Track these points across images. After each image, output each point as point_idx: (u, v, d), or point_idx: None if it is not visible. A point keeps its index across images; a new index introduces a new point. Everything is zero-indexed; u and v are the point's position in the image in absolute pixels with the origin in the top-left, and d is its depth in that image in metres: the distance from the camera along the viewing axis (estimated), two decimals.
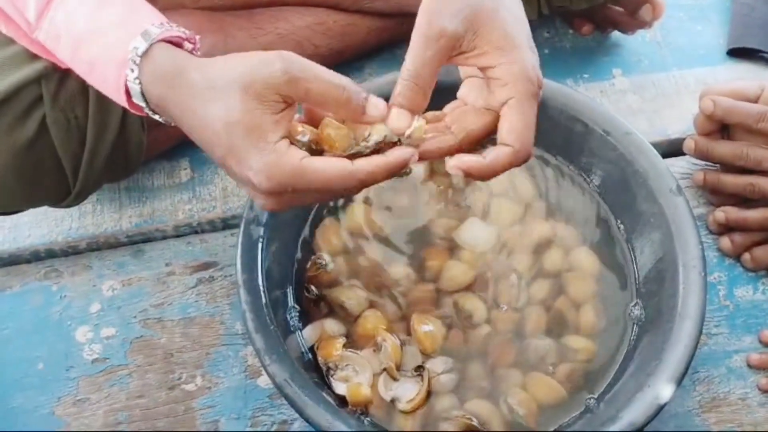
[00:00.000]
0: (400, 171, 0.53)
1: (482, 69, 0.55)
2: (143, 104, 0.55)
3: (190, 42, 0.57)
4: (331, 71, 0.52)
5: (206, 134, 0.52)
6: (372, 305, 0.67)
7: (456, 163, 0.54)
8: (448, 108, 0.58)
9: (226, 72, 0.52)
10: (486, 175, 0.54)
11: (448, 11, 0.53)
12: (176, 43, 0.55)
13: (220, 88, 0.52)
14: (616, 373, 0.64)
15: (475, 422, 0.61)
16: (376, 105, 0.53)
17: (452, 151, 0.55)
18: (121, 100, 0.56)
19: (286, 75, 0.50)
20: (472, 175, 0.54)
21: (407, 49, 0.53)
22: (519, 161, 0.54)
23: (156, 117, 0.56)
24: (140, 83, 0.54)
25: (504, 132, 0.53)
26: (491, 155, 0.53)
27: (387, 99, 0.69)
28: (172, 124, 0.56)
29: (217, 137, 0.51)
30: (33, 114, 0.66)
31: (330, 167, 0.51)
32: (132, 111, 0.57)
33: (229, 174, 0.54)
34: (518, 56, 0.53)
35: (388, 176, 0.52)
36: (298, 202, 0.54)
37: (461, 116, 0.56)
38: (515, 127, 0.53)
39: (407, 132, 0.53)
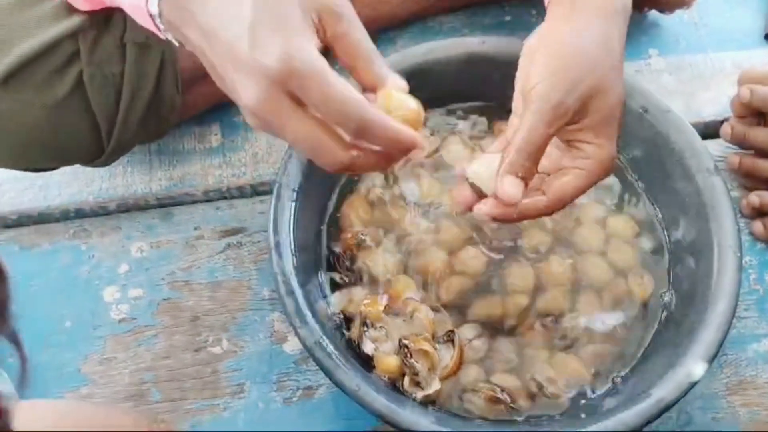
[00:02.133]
0: (400, 152, 0.49)
1: (571, 140, 0.56)
2: (156, 9, 0.50)
3: None
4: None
5: (227, 8, 0.47)
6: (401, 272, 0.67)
7: (487, 211, 0.55)
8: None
9: None
10: (513, 220, 0.56)
11: (564, 85, 0.53)
12: None
13: None
14: (646, 350, 0.63)
15: (503, 395, 0.61)
16: (395, 80, 0.51)
17: (545, 212, 0.56)
18: (145, 16, 0.52)
19: (338, 5, 0.48)
20: (498, 220, 0.56)
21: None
22: (546, 214, 0.56)
23: (161, 26, 0.51)
24: None
25: (552, 185, 0.56)
26: (524, 201, 0.54)
27: (418, 69, 0.70)
28: (181, 29, 0.50)
29: (240, 12, 0.47)
30: (69, 70, 0.66)
31: (349, 90, 0.46)
32: (151, 29, 0.53)
33: (233, 62, 0.47)
34: (607, 146, 0.56)
35: (388, 144, 0.48)
36: (286, 120, 0.47)
37: (553, 179, 0.56)
38: (561, 188, 0.55)
39: None
